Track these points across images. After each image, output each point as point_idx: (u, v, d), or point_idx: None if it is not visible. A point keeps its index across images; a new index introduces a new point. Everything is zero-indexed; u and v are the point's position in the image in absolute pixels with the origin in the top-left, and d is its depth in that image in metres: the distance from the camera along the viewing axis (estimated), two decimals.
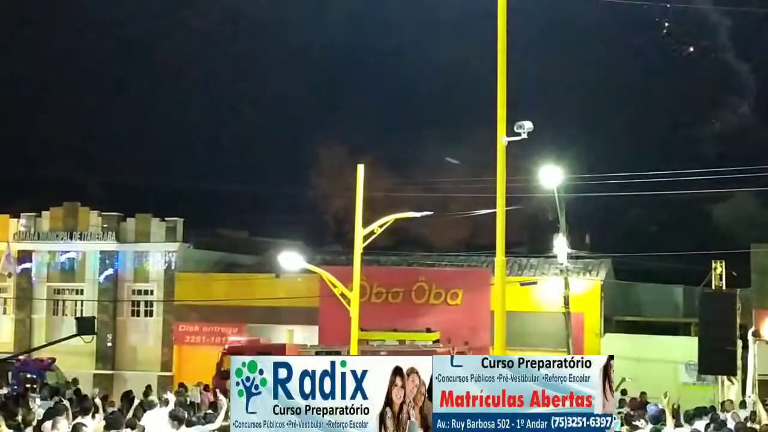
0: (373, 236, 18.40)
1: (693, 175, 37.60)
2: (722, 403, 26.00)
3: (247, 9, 69.00)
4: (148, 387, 30.11)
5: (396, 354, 33.35)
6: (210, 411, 21.32)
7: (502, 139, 16.84)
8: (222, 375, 33.98)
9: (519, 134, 17.33)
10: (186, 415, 16.84)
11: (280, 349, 35.69)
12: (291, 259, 25.89)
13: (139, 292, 45.54)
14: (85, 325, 41.13)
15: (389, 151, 54.07)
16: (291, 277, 37.91)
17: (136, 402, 22.32)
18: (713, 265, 31.65)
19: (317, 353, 34.33)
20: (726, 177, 39.85)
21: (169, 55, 69.02)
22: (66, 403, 22.84)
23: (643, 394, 28.00)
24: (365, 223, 19.62)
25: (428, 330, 35.21)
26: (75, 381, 34.41)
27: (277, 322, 41.03)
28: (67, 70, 70.48)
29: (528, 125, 17.13)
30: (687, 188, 38.55)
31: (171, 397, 20.75)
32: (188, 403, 25.19)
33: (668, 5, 40.54)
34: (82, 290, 46.25)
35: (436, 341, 34.46)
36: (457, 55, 58.51)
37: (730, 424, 19.45)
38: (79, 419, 17.51)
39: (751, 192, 45.84)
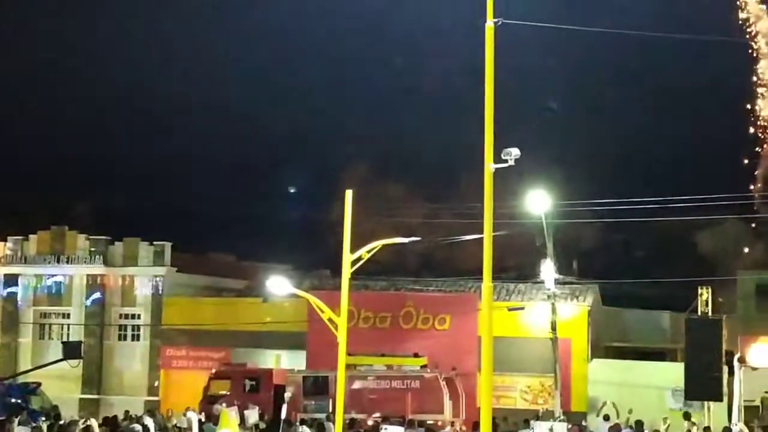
0: (361, 262, 18.43)
1: (680, 201, 37.75)
2: (706, 430, 26.10)
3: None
4: (126, 412, 30.02)
5: (383, 379, 33.49)
6: None
7: (489, 166, 16.92)
8: (209, 400, 33.91)
9: (506, 161, 17.41)
10: None
11: (267, 374, 35.64)
12: (278, 284, 25.78)
13: (127, 316, 45.37)
14: (71, 350, 40.91)
15: (380, 175, 54.09)
16: (278, 301, 37.82)
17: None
18: (699, 291, 31.77)
19: (304, 378, 34.37)
20: (712, 204, 40.02)
21: (154, 79, 69.18)
22: (44, 428, 22.74)
23: (639, 423, 27.91)
24: (354, 248, 19.66)
25: (416, 355, 35.16)
26: (55, 408, 34.24)
27: (264, 347, 40.86)
28: (55, 92, 70.65)
29: (515, 152, 17.19)
30: (674, 215, 38.78)
31: (150, 422, 20.70)
32: (174, 426, 25.09)
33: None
34: (68, 314, 46.05)
35: (424, 366, 34.47)
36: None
37: None
38: None
39: (737, 218, 46.15)
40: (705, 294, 31.62)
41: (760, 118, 52.88)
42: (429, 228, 42.24)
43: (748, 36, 52.96)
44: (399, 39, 64.74)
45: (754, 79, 53.18)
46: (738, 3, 53.24)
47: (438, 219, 43.31)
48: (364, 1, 64.23)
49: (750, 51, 52.77)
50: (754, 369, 28.80)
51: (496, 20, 17.84)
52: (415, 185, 50.88)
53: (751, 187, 49.69)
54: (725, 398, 29.82)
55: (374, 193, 48.40)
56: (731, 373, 30.01)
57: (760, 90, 52.91)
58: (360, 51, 66.17)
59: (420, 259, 45.39)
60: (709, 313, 31.30)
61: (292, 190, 61.35)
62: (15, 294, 46.19)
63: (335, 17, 67.50)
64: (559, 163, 46.33)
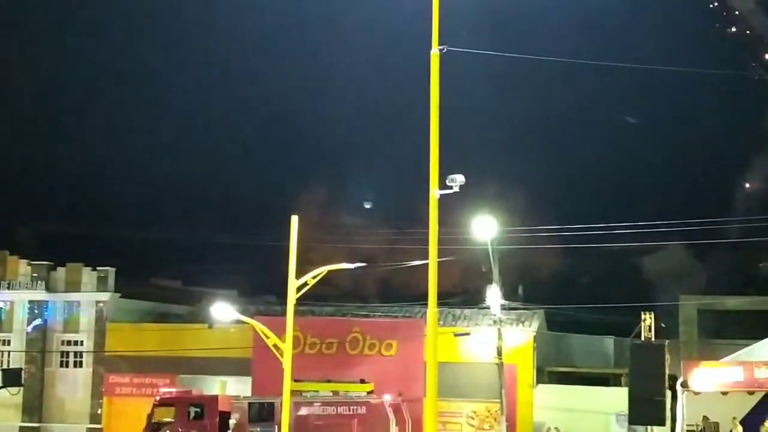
0: (306, 288, 18.44)
1: (624, 228, 38.29)
2: None
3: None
4: None
5: (329, 405, 33.38)
6: None
7: (434, 193, 17.06)
8: (153, 428, 33.56)
9: (451, 187, 17.56)
10: None
11: (213, 401, 35.36)
12: (223, 310, 25.80)
13: (69, 342, 44.76)
14: (11, 377, 40.40)
15: (325, 202, 54.11)
16: (224, 327, 37.67)
17: None
18: (642, 316, 32.11)
19: (250, 404, 34.15)
20: (655, 231, 40.60)
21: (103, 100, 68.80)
22: None
23: None
24: (299, 274, 19.66)
25: (362, 381, 35.13)
26: None
27: (209, 373, 40.55)
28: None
29: (460, 178, 17.38)
30: (618, 241, 39.29)
31: None
32: None
33: None
34: (9, 341, 45.33)
35: (371, 392, 34.43)
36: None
37: None
38: None
39: (680, 245, 46.79)
40: (648, 319, 31.96)
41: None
42: (388, 254, 42.26)
43: None
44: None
45: None
46: None
47: (396, 245, 43.33)
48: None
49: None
50: (696, 393, 29.11)
51: (441, 47, 18.08)
52: (375, 210, 50.93)
53: None
54: (668, 422, 30.08)
55: (330, 220, 48.58)
56: (674, 397, 30.33)
57: None
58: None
59: (374, 285, 45.33)
60: (652, 338, 31.65)
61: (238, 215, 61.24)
62: None
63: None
64: (507, 190, 46.61)
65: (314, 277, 19.43)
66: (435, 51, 17.62)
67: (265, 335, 18.87)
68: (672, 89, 57.50)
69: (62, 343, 44.75)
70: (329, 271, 18.63)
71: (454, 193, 17.44)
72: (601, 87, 58.76)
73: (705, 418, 30.73)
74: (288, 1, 69.76)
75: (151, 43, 71.24)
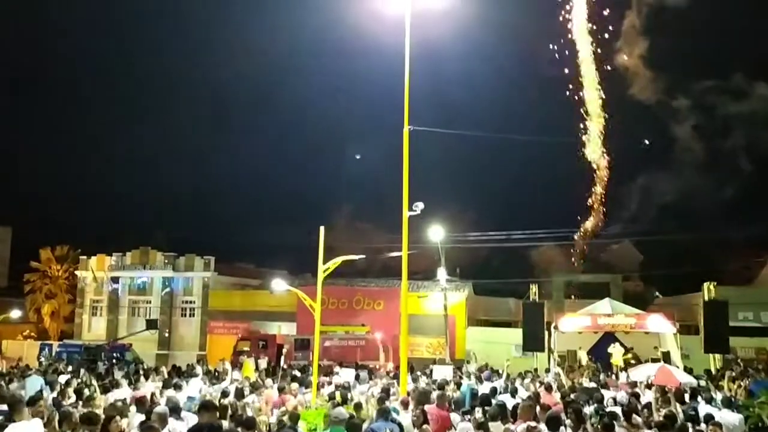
0: (329, 270, 18.46)
1: (521, 233, 38.47)
2: (535, 369, 26.32)
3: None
4: (188, 365, 29.47)
5: (343, 339, 33.22)
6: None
7: (406, 213, 17.09)
8: (237, 354, 33.39)
9: (415, 210, 17.56)
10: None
11: (273, 338, 35.23)
12: (278, 283, 25.70)
13: (186, 302, 44.68)
14: (151, 324, 40.27)
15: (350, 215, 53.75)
16: (279, 293, 37.52)
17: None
18: (531, 287, 32.18)
19: (295, 340, 34.02)
20: (540, 236, 40.83)
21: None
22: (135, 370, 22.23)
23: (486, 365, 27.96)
24: (327, 259, 19.71)
25: (362, 325, 35.11)
26: (141, 360, 33.62)
27: (271, 320, 40.50)
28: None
29: (421, 205, 17.30)
30: (517, 241, 39.43)
31: (199, 369, 20.32)
32: (214, 370, 24.64)
33: None
34: (150, 301, 45.20)
35: (368, 332, 34.41)
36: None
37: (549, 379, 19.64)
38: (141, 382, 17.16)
39: (554, 244, 47.08)
40: (534, 288, 32.07)
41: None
42: (380, 249, 42.13)
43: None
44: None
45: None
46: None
47: (386, 244, 43.13)
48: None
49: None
50: (563, 332, 29.10)
51: (410, 127, 17.89)
52: (378, 224, 50.35)
53: None
54: (546, 350, 30.07)
55: (351, 225, 48.45)
56: (550, 335, 30.37)
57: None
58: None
59: (371, 267, 45.20)
60: (537, 300, 31.73)
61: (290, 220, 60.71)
62: (117, 289, 45.28)
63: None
64: (454, 207, 46.61)
65: (334, 264, 19.59)
66: (406, 129, 17.37)
67: (304, 299, 18.83)
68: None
69: (182, 302, 44.68)
70: (343, 261, 18.55)
71: (418, 214, 17.41)
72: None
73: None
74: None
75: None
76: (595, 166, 54.81)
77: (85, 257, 46.68)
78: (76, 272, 46.86)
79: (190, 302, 44.50)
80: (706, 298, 29.21)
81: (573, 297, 40.03)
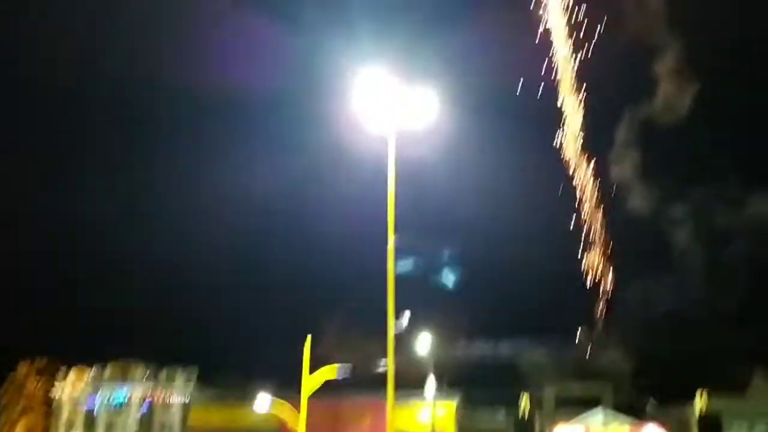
0: (312, 389, 17.89)
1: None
2: None
3: None
4: None
5: None
6: None
7: (393, 323, 16.70)
8: None
9: (400, 322, 17.13)
10: None
11: None
12: (262, 403, 24.73)
13: (164, 425, 42.92)
14: None
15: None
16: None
17: None
18: (522, 397, 30.96)
19: None
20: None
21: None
22: None
23: None
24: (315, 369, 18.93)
25: None
26: None
27: None
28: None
29: (408, 313, 16.92)
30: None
31: None
32: None
33: None
34: (127, 422, 43.48)
35: None
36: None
37: None
38: None
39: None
40: (525, 400, 31.13)
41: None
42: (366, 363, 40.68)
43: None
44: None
45: None
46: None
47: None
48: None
49: None
50: None
51: (395, 237, 17.63)
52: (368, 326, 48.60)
53: None
54: None
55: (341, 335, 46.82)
56: None
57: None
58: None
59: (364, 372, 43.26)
60: (526, 414, 30.66)
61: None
62: (93, 409, 43.78)
63: None
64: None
65: (317, 382, 19.00)
66: (390, 243, 17.16)
67: (286, 421, 18.08)
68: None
69: (160, 425, 42.77)
70: (325, 381, 18.01)
71: (405, 326, 16.96)
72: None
73: None
74: None
75: None
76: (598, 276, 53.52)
77: (65, 367, 45.30)
78: (53, 387, 45.22)
79: (168, 425, 42.75)
80: (700, 407, 28.56)
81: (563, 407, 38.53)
